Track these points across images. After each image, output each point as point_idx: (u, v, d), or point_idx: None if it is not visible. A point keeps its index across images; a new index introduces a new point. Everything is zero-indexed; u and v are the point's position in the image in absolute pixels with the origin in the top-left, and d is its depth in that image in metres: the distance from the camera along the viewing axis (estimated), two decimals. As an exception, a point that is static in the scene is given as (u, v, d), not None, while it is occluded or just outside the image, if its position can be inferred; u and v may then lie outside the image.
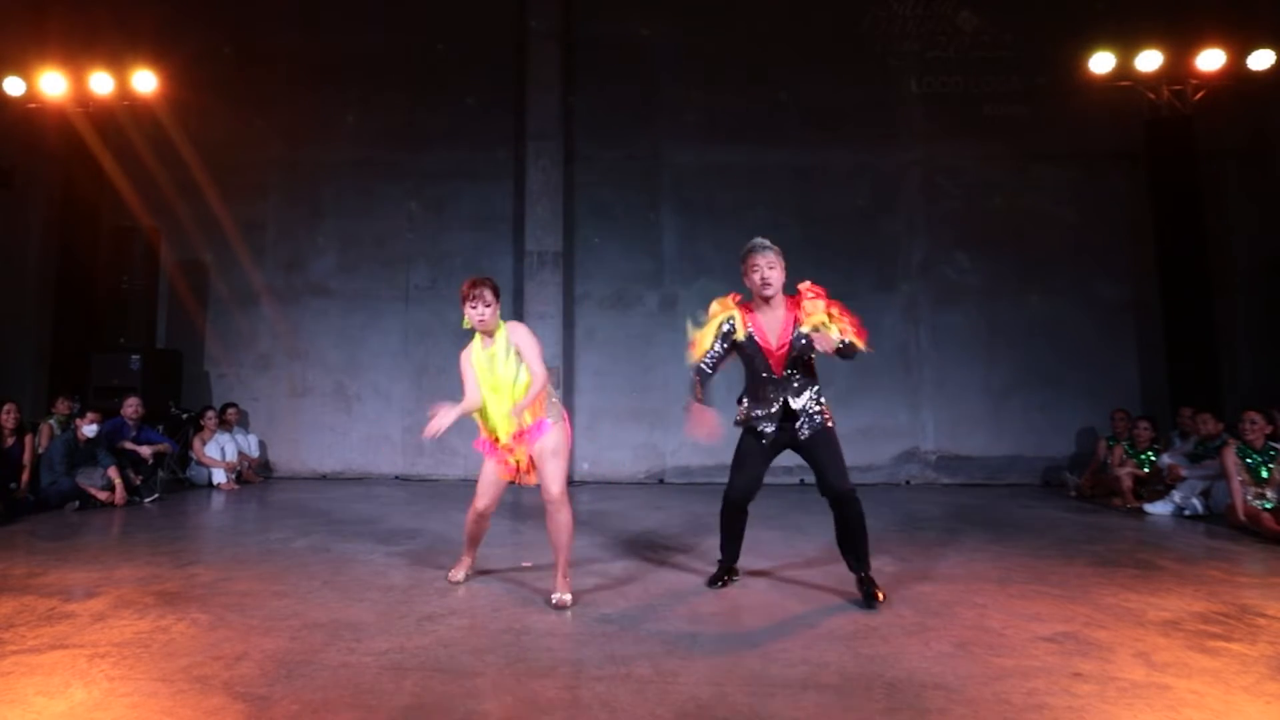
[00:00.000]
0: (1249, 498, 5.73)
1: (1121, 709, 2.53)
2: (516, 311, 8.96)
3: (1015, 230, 8.83)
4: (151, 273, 8.65)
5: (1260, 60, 8.03)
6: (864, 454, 8.64)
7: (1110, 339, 8.73)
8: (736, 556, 4.10)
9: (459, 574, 4.13)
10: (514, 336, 3.75)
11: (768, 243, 3.78)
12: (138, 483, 6.95)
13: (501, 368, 3.73)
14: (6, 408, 6.60)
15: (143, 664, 2.89)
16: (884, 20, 9.15)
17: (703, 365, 3.78)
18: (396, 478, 8.86)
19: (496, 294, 3.75)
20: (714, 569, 4.15)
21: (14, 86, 8.61)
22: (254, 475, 8.42)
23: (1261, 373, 8.48)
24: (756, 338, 3.74)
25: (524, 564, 4.55)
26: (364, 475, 8.91)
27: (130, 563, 4.52)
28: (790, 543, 5.22)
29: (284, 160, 9.26)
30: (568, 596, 3.70)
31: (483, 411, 3.82)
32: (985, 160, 8.89)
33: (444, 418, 3.57)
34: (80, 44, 8.64)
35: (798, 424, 3.75)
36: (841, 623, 3.43)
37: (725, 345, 3.78)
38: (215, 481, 7.86)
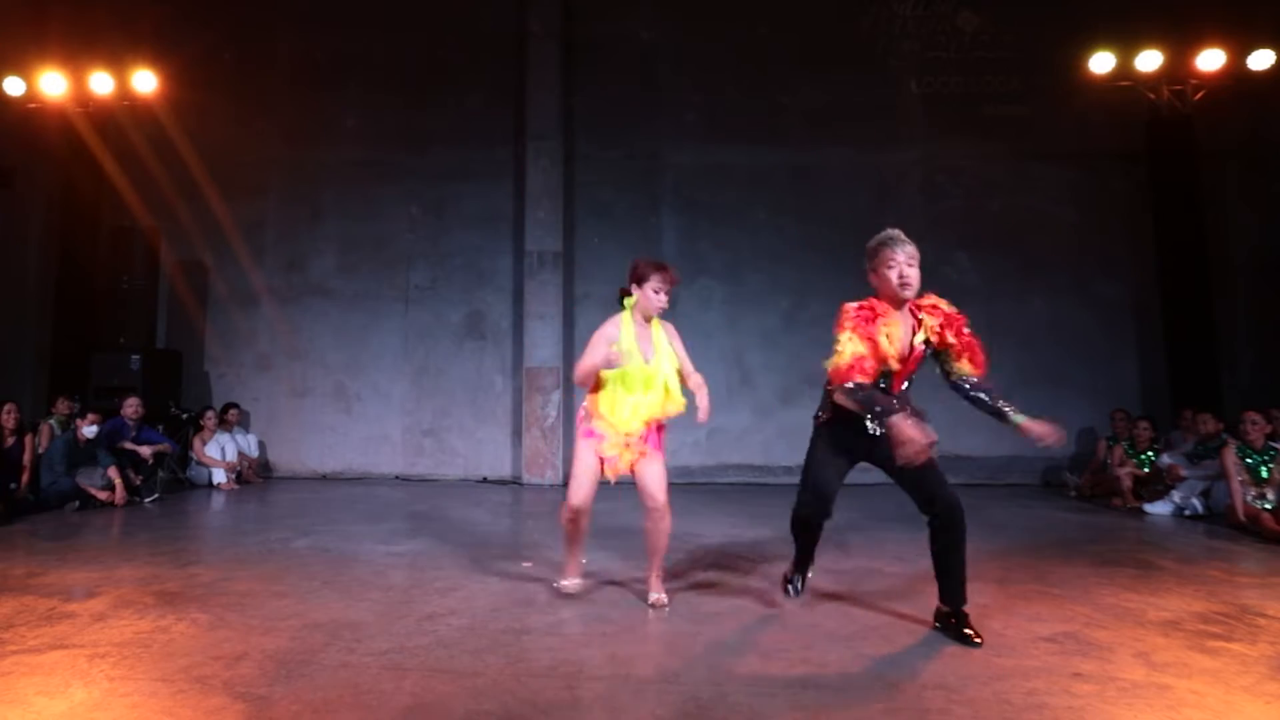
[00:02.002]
0: (1249, 498, 5.73)
1: (1121, 709, 2.53)
2: (516, 311, 8.97)
3: (1015, 230, 8.83)
4: (151, 273, 8.64)
5: (1260, 60, 8.03)
6: (864, 454, 8.64)
7: (1110, 339, 8.73)
8: (809, 566, 3.73)
9: (572, 583, 3.85)
10: (672, 333, 3.69)
11: (905, 236, 3.33)
12: (138, 483, 6.95)
13: (663, 358, 3.62)
14: (7, 408, 6.59)
15: (143, 664, 2.88)
16: (884, 20, 9.15)
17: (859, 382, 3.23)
18: (396, 478, 8.86)
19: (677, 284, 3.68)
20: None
21: (14, 86, 8.61)
22: (254, 475, 8.42)
23: (1261, 373, 8.48)
24: (886, 346, 3.29)
25: (524, 564, 4.55)
26: (364, 475, 8.91)
27: (130, 563, 4.52)
28: (789, 542, 5.21)
29: (284, 160, 9.26)
30: (666, 597, 3.71)
31: (611, 398, 3.61)
32: (985, 160, 8.89)
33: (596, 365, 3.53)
34: (80, 44, 8.64)
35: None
36: (841, 623, 3.43)
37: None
38: (215, 481, 7.86)
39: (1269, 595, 3.93)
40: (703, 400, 3.56)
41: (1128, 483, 6.93)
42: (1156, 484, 6.88)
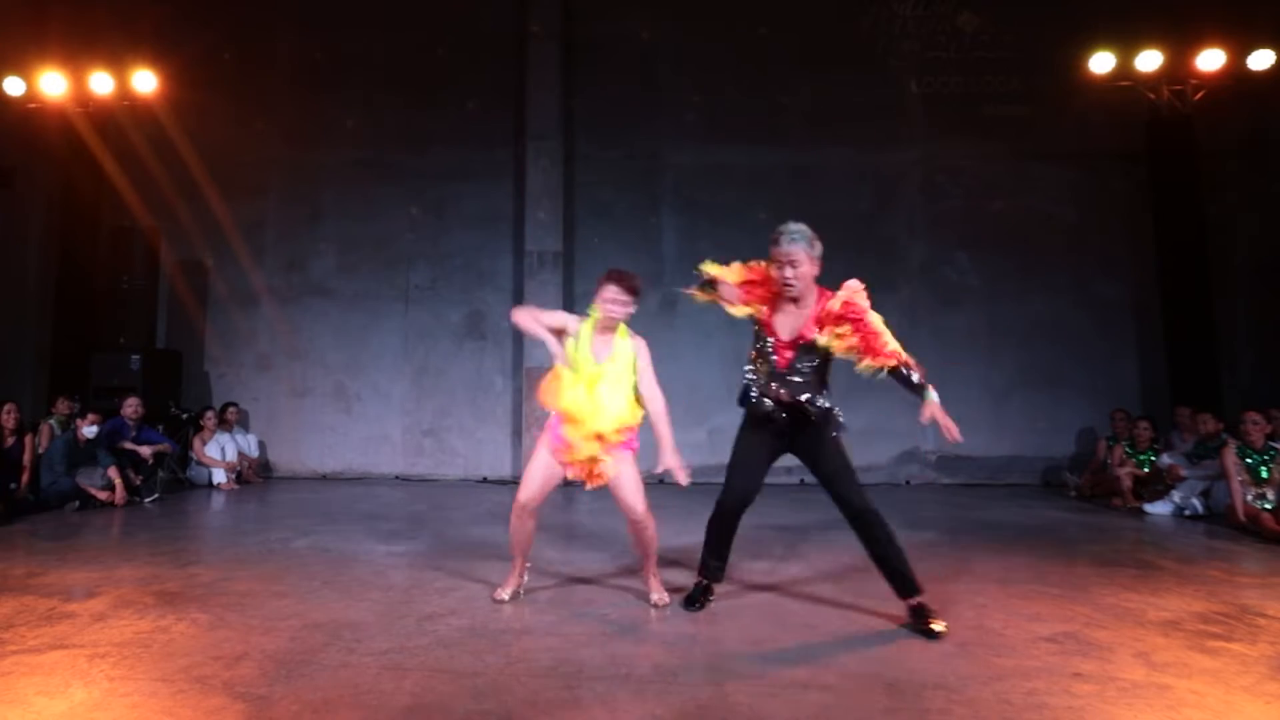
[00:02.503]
0: (1249, 498, 5.73)
1: (1121, 709, 2.53)
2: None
3: (1015, 230, 8.83)
4: (151, 273, 8.64)
5: (1260, 60, 8.03)
6: (864, 454, 8.61)
7: (1110, 339, 8.73)
8: (718, 570, 3.74)
9: (505, 592, 3.77)
10: (640, 350, 3.59)
11: (798, 231, 3.35)
12: (138, 483, 6.94)
13: (617, 367, 3.53)
14: (7, 408, 6.59)
15: (143, 664, 2.89)
16: (884, 20, 9.15)
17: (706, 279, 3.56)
18: (396, 478, 8.86)
19: (636, 296, 3.58)
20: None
21: (14, 86, 8.61)
22: (254, 475, 8.42)
23: (1261, 373, 8.48)
24: (764, 321, 3.47)
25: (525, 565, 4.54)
26: (364, 475, 8.91)
27: (130, 563, 4.52)
28: (790, 543, 5.22)
29: (284, 161, 9.26)
30: (667, 596, 3.71)
31: (568, 400, 3.55)
32: (985, 160, 8.89)
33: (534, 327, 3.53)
34: (80, 44, 8.64)
35: (797, 424, 3.40)
36: (841, 623, 3.43)
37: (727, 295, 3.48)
38: (215, 481, 7.86)
39: (1269, 595, 3.93)
40: (661, 431, 3.51)
41: (1128, 483, 6.93)
42: (1156, 484, 6.88)
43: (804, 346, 3.39)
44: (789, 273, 3.34)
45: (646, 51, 9.19)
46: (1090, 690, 2.67)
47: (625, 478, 3.57)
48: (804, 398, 3.38)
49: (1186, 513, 6.40)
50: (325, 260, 9.26)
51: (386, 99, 9.25)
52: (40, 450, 6.84)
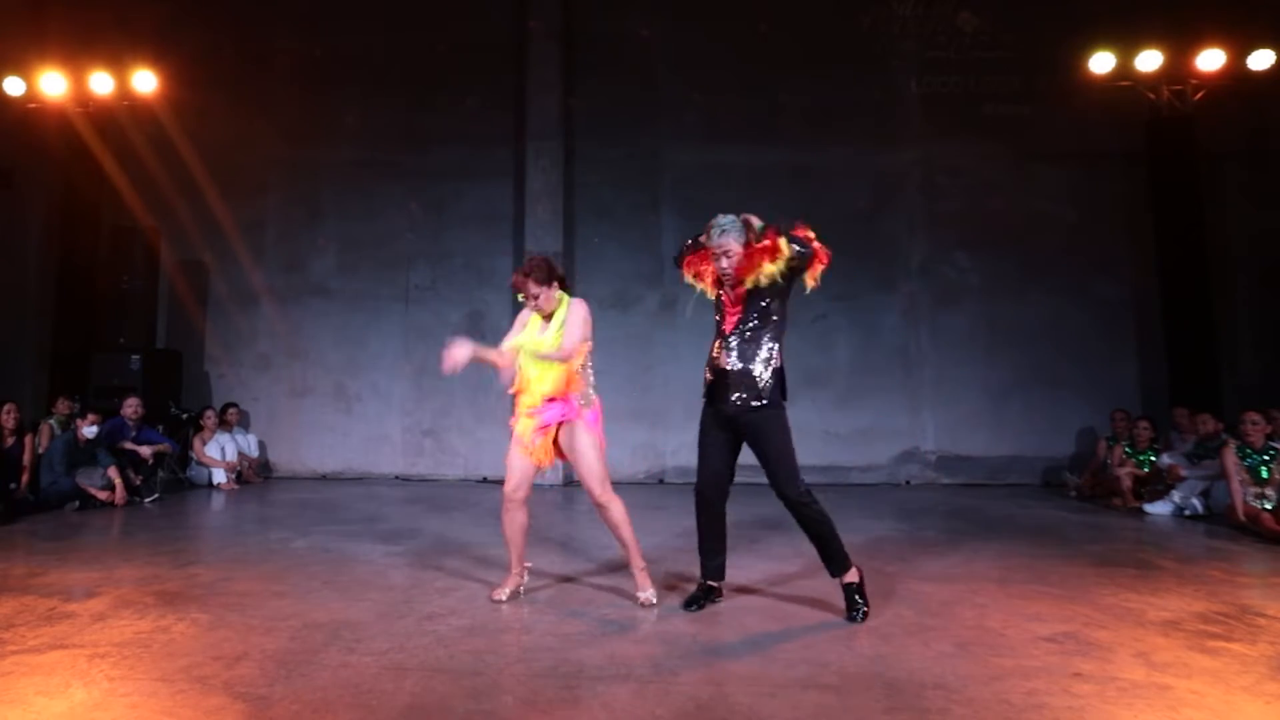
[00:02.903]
0: (1249, 498, 5.73)
1: (1121, 709, 2.53)
2: (516, 311, 8.92)
3: (1015, 230, 8.83)
4: (151, 273, 8.64)
5: (1260, 60, 8.02)
6: (864, 454, 8.65)
7: (1110, 339, 8.73)
8: (717, 569, 3.71)
9: (503, 592, 3.77)
10: (570, 311, 3.67)
11: (728, 224, 3.53)
12: (138, 483, 6.95)
13: (551, 335, 3.64)
14: (6, 408, 6.60)
15: (143, 664, 2.89)
16: (884, 20, 9.15)
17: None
18: (396, 478, 8.86)
19: (545, 278, 3.63)
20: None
21: (14, 86, 8.61)
22: (254, 475, 8.42)
23: (1261, 373, 8.48)
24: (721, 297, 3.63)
25: (524, 564, 4.54)
26: (364, 475, 8.91)
27: (130, 563, 4.52)
28: (790, 542, 5.21)
29: (284, 160, 9.26)
30: (650, 594, 3.67)
31: (523, 374, 3.70)
32: (985, 160, 8.89)
33: (460, 351, 3.45)
34: (80, 44, 8.64)
35: (732, 398, 3.43)
36: (841, 623, 3.43)
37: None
38: (215, 481, 7.86)
39: (1269, 595, 3.94)
40: (544, 351, 3.62)
41: (1128, 483, 6.93)
42: (1156, 484, 6.88)
43: (746, 295, 3.48)
44: (724, 263, 3.49)
45: (646, 51, 9.19)
46: (1090, 690, 2.67)
47: (579, 452, 3.63)
48: (745, 366, 3.43)
49: (1186, 513, 6.40)
50: (325, 260, 9.26)
51: (386, 98, 9.25)
52: (40, 450, 6.84)
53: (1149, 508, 6.56)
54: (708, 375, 3.56)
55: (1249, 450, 5.85)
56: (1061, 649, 3.08)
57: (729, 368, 3.45)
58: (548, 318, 3.71)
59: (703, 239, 3.61)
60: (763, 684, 2.73)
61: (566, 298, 3.73)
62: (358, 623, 3.38)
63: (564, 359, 3.59)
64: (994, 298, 8.84)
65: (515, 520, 3.75)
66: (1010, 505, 7.09)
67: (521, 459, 3.68)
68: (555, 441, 3.70)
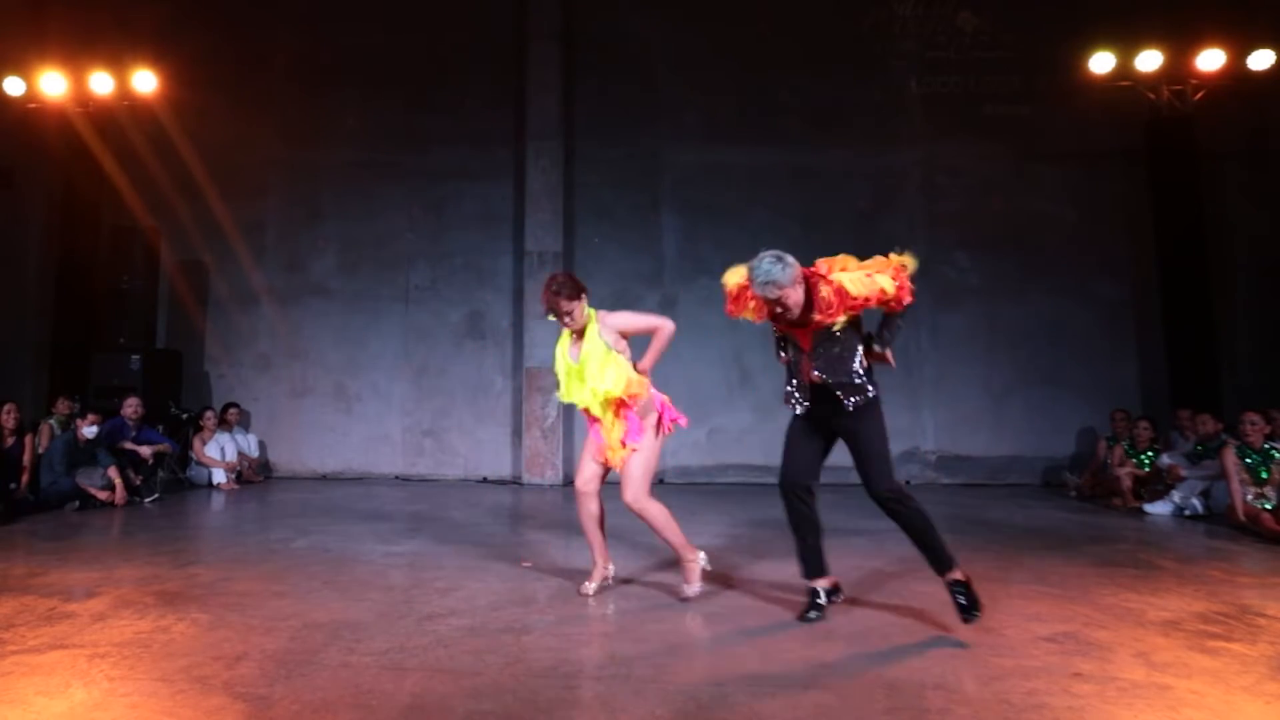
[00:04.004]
0: (1249, 498, 5.73)
1: (1121, 709, 2.53)
2: (516, 311, 8.97)
3: (1015, 230, 8.83)
4: (151, 273, 8.64)
5: (1260, 60, 8.03)
6: (864, 454, 8.63)
7: (1110, 339, 8.73)
8: (818, 568, 3.58)
9: (590, 586, 3.84)
10: (609, 322, 3.70)
11: (767, 276, 3.19)
12: (138, 483, 6.94)
13: (589, 355, 3.66)
14: (6, 408, 6.59)
15: (143, 664, 2.89)
16: (884, 20, 9.15)
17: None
18: (396, 478, 8.86)
19: (574, 292, 3.64)
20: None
21: (14, 86, 8.61)
22: (254, 475, 8.42)
23: (1261, 373, 8.47)
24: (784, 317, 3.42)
25: (523, 564, 4.55)
26: (364, 475, 8.91)
27: (130, 563, 4.52)
28: (789, 542, 5.21)
29: (284, 161, 9.26)
30: (691, 588, 3.73)
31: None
32: (985, 160, 8.89)
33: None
34: (80, 44, 8.64)
35: (834, 400, 3.35)
36: (841, 623, 3.43)
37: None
38: (215, 481, 7.86)
39: (1269, 595, 3.93)
40: (656, 346, 3.73)
41: (1128, 483, 6.93)
42: (1156, 484, 6.88)
43: (819, 332, 3.37)
44: (779, 310, 3.32)
45: (646, 51, 9.19)
46: (1090, 690, 2.67)
47: (631, 460, 3.71)
48: (833, 380, 3.35)
49: (1186, 513, 6.40)
50: (325, 260, 9.26)
51: (386, 99, 9.25)
52: (40, 450, 6.84)
53: (1149, 508, 6.56)
54: (794, 390, 3.47)
55: (1249, 450, 5.85)
56: (1061, 649, 3.08)
57: (823, 379, 3.36)
58: (578, 334, 3.74)
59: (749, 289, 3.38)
60: (763, 684, 2.73)
61: (593, 311, 3.75)
62: (358, 623, 3.38)
63: (668, 330, 3.70)
64: (994, 298, 8.84)
65: (588, 510, 3.84)
66: (1010, 505, 7.09)
67: (592, 455, 3.83)
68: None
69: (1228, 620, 3.47)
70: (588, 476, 3.82)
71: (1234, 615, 3.55)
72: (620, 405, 3.68)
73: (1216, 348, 8.16)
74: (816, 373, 3.37)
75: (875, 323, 3.47)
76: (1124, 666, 2.89)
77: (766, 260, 3.22)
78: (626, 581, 4.12)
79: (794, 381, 3.50)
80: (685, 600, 3.70)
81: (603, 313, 3.75)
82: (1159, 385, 8.41)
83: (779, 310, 3.31)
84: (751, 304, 3.48)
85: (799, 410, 3.49)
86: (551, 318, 3.72)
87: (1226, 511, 5.89)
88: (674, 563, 4.45)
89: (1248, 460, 5.84)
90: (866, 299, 3.22)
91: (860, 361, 3.38)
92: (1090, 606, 3.67)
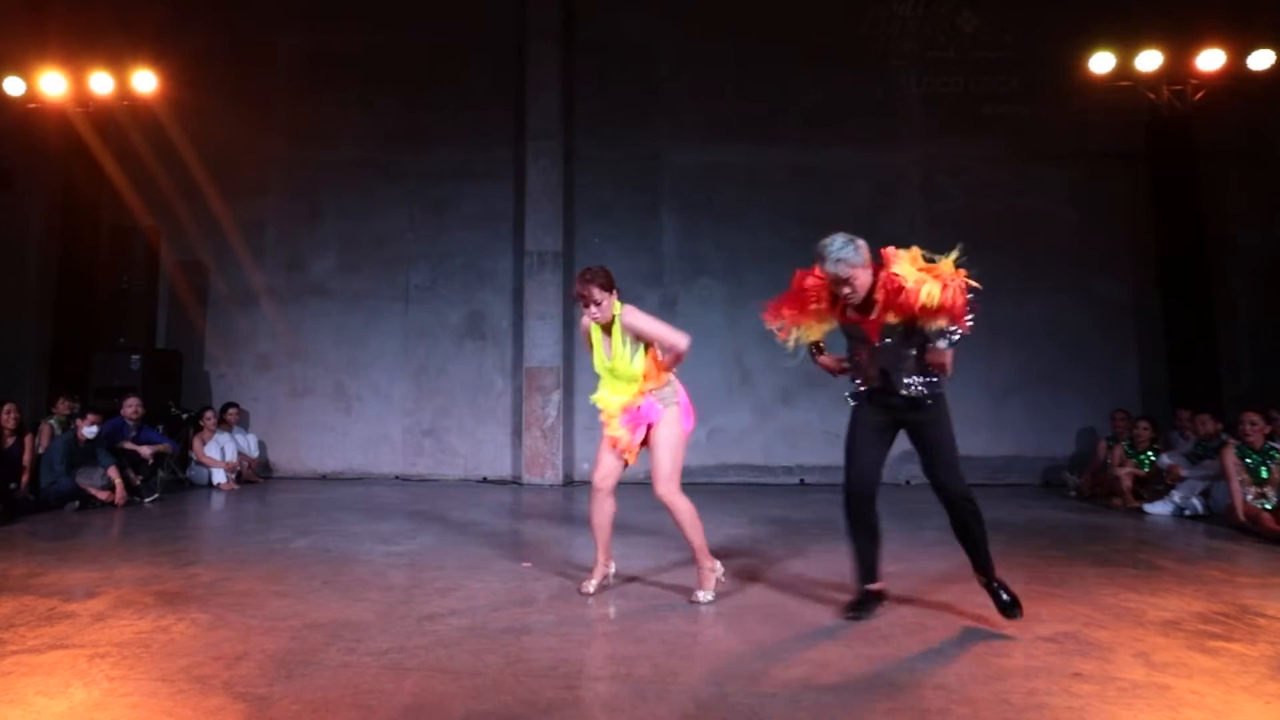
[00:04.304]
0: (1249, 498, 5.73)
1: (1121, 709, 2.53)
2: (516, 311, 8.97)
3: (1015, 230, 8.82)
4: (151, 273, 8.64)
5: (1260, 60, 8.03)
6: (864, 454, 8.63)
7: (1110, 339, 8.73)
8: (873, 574, 3.55)
9: (590, 584, 3.86)
10: (626, 320, 3.74)
11: (840, 252, 3.23)
12: (138, 483, 6.94)
13: (618, 351, 3.72)
14: (6, 408, 6.59)
15: (143, 664, 2.88)
16: (884, 20, 9.15)
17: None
18: (396, 478, 8.86)
19: (607, 285, 3.74)
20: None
21: (14, 86, 8.61)
22: (254, 475, 8.42)
23: (1261, 373, 8.47)
24: (849, 323, 3.42)
25: (524, 564, 4.55)
26: (364, 475, 8.91)
27: (130, 563, 4.52)
28: (789, 541, 5.22)
29: (284, 160, 9.26)
30: (709, 595, 3.72)
31: (598, 391, 3.90)
32: (985, 160, 8.89)
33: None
34: (80, 44, 8.64)
35: (903, 393, 3.33)
36: (841, 623, 3.43)
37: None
38: (215, 481, 7.86)
39: (1269, 595, 3.93)
40: (668, 359, 3.73)
41: (1128, 483, 6.93)
42: (1156, 484, 6.87)
43: (887, 327, 3.35)
44: (846, 290, 3.31)
45: (646, 51, 9.19)
46: (1090, 690, 2.67)
47: (654, 447, 3.73)
48: (903, 379, 3.33)
49: (1186, 513, 6.39)
50: (325, 260, 9.26)
51: (386, 98, 9.26)
52: (40, 450, 6.84)
53: (1149, 508, 6.55)
54: (859, 383, 3.47)
55: (1249, 450, 5.85)
56: (1061, 649, 3.08)
57: (889, 370, 3.34)
58: (606, 328, 3.78)
59: (817, 269, 3.37)
60: (763, 684, 2.73)
61: (619, 305, 3.78)
62: (358, 623, 3.38)
63: (680, 349, 3.71)
64: (994, 298, 8.70)
65: (603, 509, 3.84)
66: (1010, 505, 7.08)
67: (609, 454, 3.81)
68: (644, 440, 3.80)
69: (1228, 620, 3.47)
70: (606, 472, 3.81)
71: (1234, 615, 3.55)
72: (643, 395, 3.72)
73: (1216, 347, 8.16)
74: (883, 368, 3.35)
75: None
76: (1124, 666, 2.89)
77: (839, 239, 3.27)
78: (631, 580, 4.11)
79: (861, 379, 3.47)
80: (693, 603, 3.68)
81: (628, 308, 3.77)
82: (1159, 385, 8.41)
83: (847, 291, 3.29)
84: (814, 303, 3.46)
85: (867, 395, 3.44)
86: (581, 306, 3.78)
87: (1226, 511, 5.88)
88: (676, 564, 4.46)
89: (1248, 460, 5.83)
90: (925, 307, 3.19)
91: (926, 372, 3.36)
92: (1090, 606, 3.67)
